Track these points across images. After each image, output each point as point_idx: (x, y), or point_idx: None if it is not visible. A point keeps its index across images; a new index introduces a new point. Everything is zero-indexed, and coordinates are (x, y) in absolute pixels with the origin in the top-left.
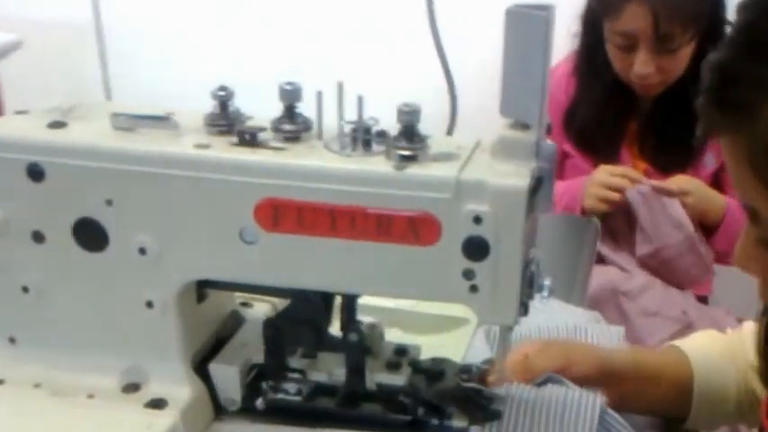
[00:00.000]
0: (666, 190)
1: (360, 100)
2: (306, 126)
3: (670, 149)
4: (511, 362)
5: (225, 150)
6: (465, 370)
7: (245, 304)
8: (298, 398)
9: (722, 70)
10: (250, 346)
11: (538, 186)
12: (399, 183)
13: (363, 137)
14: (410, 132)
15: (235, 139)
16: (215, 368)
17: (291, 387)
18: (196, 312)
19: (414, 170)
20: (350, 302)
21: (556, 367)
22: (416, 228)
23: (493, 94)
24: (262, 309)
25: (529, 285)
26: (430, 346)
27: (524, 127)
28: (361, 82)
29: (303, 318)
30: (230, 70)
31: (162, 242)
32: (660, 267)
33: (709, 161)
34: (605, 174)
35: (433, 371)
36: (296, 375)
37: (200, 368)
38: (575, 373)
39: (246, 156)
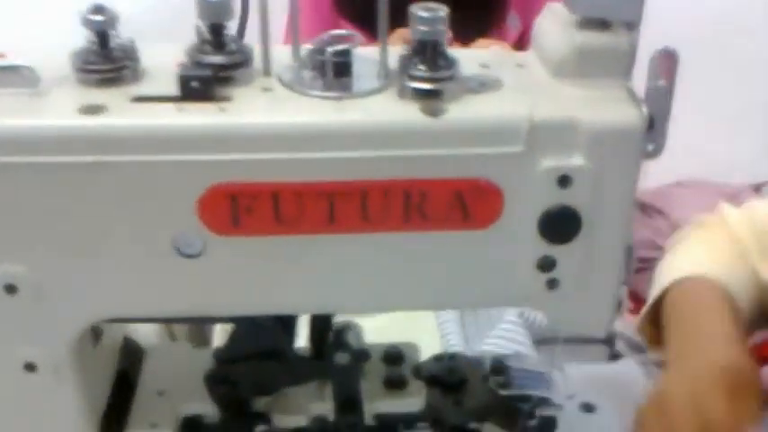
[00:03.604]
0: None
1: None
2: (246, 57)
3: (470, 13)
4: None
5: (132, 113)
6: (497, 369)
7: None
8: None
9: None
10: (170, 391)
11: (651, 119)
12: (436, 136)
13: (337, 63)
14: (432, 50)
15: (131, 89)
16: None
17: None
18: (95, 359)
19: (456, 113)
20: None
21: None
22: (466, 203)
23: None
24: (149, 326)
25: (626, 270)
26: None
27: (603, 26)
28: None
29: (257, 349)
30: None
31: (42, 273)
32: None
33: (513, 24)
34: None
35: (452, 380)
36: (261, 427)
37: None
38: None
39: (174, 119)
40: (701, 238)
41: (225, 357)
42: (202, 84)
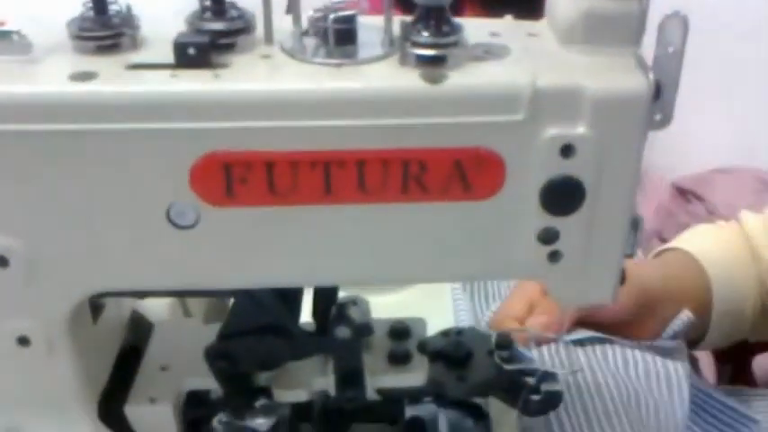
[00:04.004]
0: None
1: None
2: (247, 24)
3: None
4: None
5: (125, 80)
6: (502, 344)
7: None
8: None
9: None
10: (174, 366)
11: (659, 87)
12: (436, 104)
13: (339, 30)
14: (435, 16)
15: (128, 57)
16: (136, 411)
17: (261, 421)
18: (94, 335)
19: (457, 80)
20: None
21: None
22: (467, 174)
23: None
24: (161, 300)
25: (633, 242)
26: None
27: None
28: None
29: (260, 325)
30: None
31: (35, 245)
32: None
33: None
34: None
35: (457, 355)
36: (262, 401)
37: (109, 411)
38: (611, 310)
39: (166, 86)
40: (708, 230)
41: (226, 332)
42: (199, 51)
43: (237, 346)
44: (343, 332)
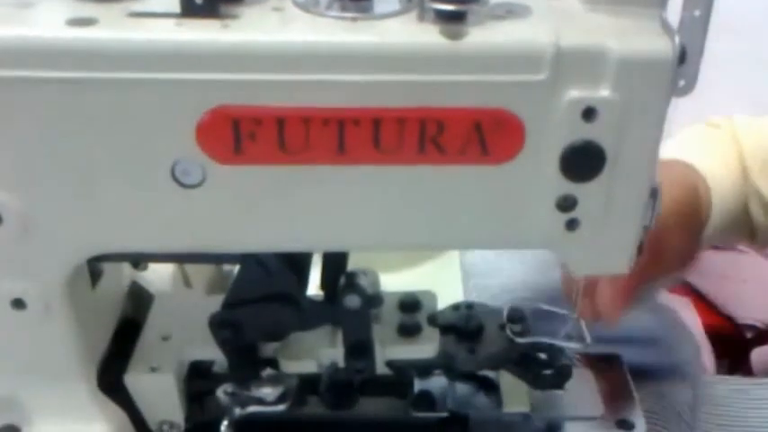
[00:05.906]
0: None
1: None
2: None
3: None
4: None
5: (126, 27)
6: (515, 317)
7: (135, 265)
8: (281, 406)
9: None
10: (175, 336)
11: (683, 51)
12: (455, 61)
13: None
14: None
15: (129, 6)
16: (136, 380)
17: (267, 391)
18: (92, 301)
19: (478, 37)
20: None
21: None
22: (485, 136)
23: None
24: (162, 271)
25: (650, 213)
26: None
27: None
28: None
29: (266, 293)
30: None
31: (29, 201)
32: None
33: None
34: None
35: (468, 329)
36: (268, 371)
37: (109, 382)
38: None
39: (172, 34)
40: (705, 133)
41: (231, 301)
42: (207, 0)
43: (242, 315)
44: (352, 301)
